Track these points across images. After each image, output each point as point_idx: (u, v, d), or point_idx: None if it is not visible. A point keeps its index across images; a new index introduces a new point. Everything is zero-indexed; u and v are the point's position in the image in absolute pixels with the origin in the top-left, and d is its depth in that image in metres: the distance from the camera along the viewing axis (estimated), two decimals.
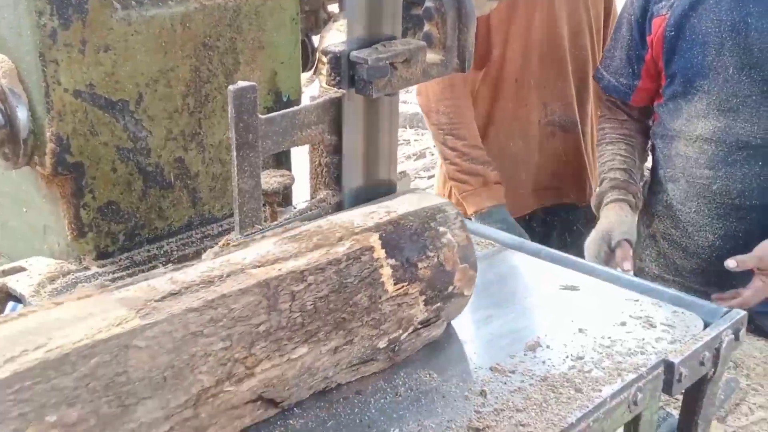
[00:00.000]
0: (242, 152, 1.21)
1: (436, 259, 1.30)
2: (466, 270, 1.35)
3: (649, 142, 2.64)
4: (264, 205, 1.34)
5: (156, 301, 1.06)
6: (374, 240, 1.25)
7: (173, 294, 1.07)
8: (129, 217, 1.60)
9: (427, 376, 1.29)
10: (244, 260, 1.16)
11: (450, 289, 1.33)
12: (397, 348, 1.29)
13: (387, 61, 1.29)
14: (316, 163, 1.41)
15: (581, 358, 1.33)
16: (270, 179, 1.46)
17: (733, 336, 1.43)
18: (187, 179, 1.67)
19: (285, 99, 1.78)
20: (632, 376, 1.29)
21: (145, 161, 1.59)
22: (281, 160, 1.79)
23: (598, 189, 2.60)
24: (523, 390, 1.25)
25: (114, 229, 1.59)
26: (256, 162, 1.23)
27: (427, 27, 1.39)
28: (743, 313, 1.46)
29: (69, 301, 1.06)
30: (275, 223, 1.34)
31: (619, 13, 2.65)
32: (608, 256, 2.40)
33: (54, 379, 0.94)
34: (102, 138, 1.51)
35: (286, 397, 1.17)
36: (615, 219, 2.44)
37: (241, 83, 1.19)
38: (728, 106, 2.26)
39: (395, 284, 1.25)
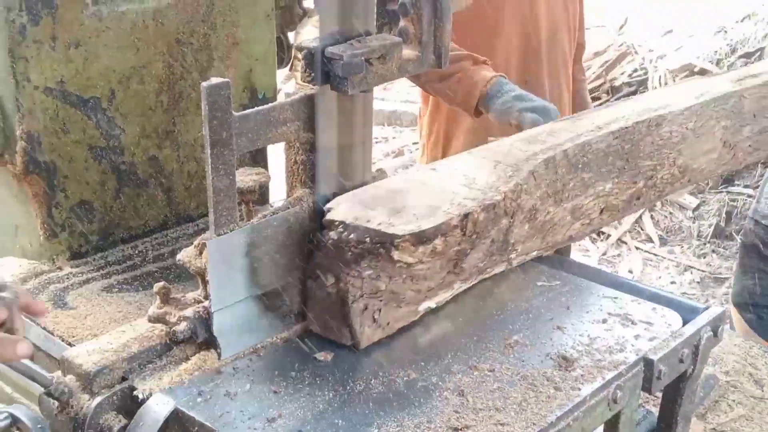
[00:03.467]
0: (216, 150, 1.19)
1: None
2: None
3: None
4: (240, 203, 1.32)
5: (738, 80, 1.91)
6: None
7: (741, 79, 1.93)
8: (103, 216, 1.58)
9: (406, 375, 1.28)
10: (759, 68, 2.01)
11: None
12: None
13: (362, 57, 1.27)
14: (292, 160, 1.39)
15: (561, 356, 1.32)
16: (245, 177, 1.43)
17: (711, 333, 1.42)
18: (162, 178, 1.64)
19: (260, 96, 1.76)
20: (612, 374, 1.28)
21: (119, 160, 1.56)
22: (258, 159, 1.77)
23: None
24: (503, 389, 1.24)
25: (87, 228, 1.56)
26: (230, 160, 1.21)
27: (402, 22, 1.37)
28: (722, 309, 1.45)
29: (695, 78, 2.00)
30: (250, 222, 1.32)
31: None
32: None
33: (722, 105, 1.81)
34: (74, 136, 1.49)
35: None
36: None
37: (215, 79, 1.16)
38: None
39: None
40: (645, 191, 1.72)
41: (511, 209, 1.40)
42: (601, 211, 1.63)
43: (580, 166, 1.55)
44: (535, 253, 1.53)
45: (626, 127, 1.64)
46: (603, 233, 5.22)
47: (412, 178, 1.47)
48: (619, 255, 5.08)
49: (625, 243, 5.21)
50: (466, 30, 2.57)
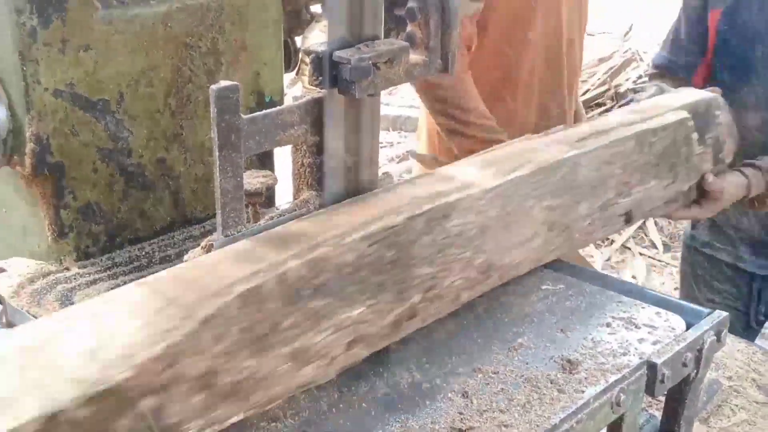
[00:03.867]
0: (224, 152, 1.20)
1: (716, 133, 1.89)
2: (731, 143, 1.97)
3: None
4: (246, 205, 1.33)
5: (577, 141, 1.55)
6: (686, 114, 1.78)
7: (584, 138, 1.56)
8: (110, 217, 1.59)
9: (410, 377, 1.28)
10: (611, 121, 1.67)
11: (720, 155, 1.94)
12: (690, 195, 1.89)
13: (370, 62, 1.28)
14: (299, 163, 1.40)
15: (564, 359, 1.33)
16: (253, 180, 1.45)
17: (715, 337, 1.43)
18: (169, 180, 1.65)
19: (267, 100, 1.77)
20: (615, 377, 1.28)
21: (127, 162, 1.58)
22: (264, 161, 1.78)
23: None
24: (507, 391, 1.25)
25: (95, 230, 1.57)
26: (238, 162, 1.22)
27: (409, 27, 1.39)
28: (725, 314, 1.46)
29: (522, 141, 1.57)
30: (258, 224, 1.33)
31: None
32: None
33: (547, 179, 1.45)
34: (83, 138, 1.50)
35: (635, 217, 1.71)
36: None
37: (224, 83, 1.18)
38: None
39: (699, 145, 1.83)
40: (422, 307, 1.30)
41: (159, 384, 0.96)
42: (350, 345, 1.20)
43: (307, 293, 1.12)
44: (234, 419, 1.07)
45: (392, 227, 1.22)
46: (607, 239, 5.22)
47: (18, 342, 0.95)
48: (623, 261, 5.08)
49: (629, 249, 5.22)
50: (497, 43, 2.60)
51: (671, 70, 2.62)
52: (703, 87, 2.59)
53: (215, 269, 1.09)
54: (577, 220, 1.55)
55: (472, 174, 1.40)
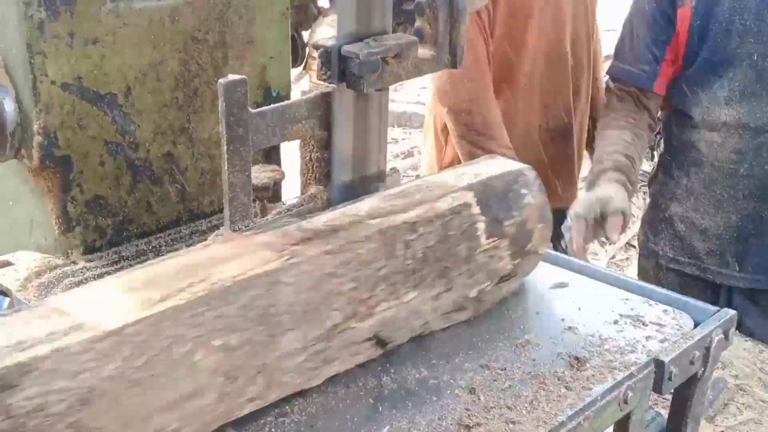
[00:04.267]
0: (233, 146, 1.20)
1: (519, 218, 1.42)
2: (544, 230, 1.47)
3: (657, 131, 2.66)
4: (254, 200, 1.33)
5: (293, 245, 1.17)
6: (470, 197, 1.36)
7: (306, 239, 1.20)
8: (117, 211, 1.58)
9: (418, 373, 1.28)
10: (360, 212, 1.28)
11: (528, 246, 1.44)
12: (482, 299, 1.42)
13: (378, 56, 1.28)
14: (307, 158, 1.40)
15: (572, 356, 1.32)
16: (260, 174, 1.45)
17: (723, 335, 1.42)
18: (176, 174, 1.65)
19: (274, 94, 1.77)
20: (623, 374, 1.28)
21: (134, 155, 1.57)
22: (271, 156, 1.78)
23: (597, 165, 2.54)
24: (514, 388, 1.25)
25: (102, 223, 1.57)
26: (246, 156, 1.22)
27: (418, 22, 1.38)
28: (733, 312, 1.46)
29: (214, 244, 1.21)
30: (265, 218, 1.33)
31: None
32: (597, 223, 2.36)
33: (219, 308, 1.07)
34: (90, 131, 1.50)
35: (393, 339, 1.30)
36: (614, 191, 2.41)
37: (232, 76, 1.17)
38: (751, 92, 2.29)
39: (488, 238, 1.37)
40: None
41: None
42: None
43: None
44: None
45: None
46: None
47: None
48: (627, 258, 5.08)
49: (634, 247, 5.21)
50: (498, 42, 2.60)
51: (636, 82, 2.59)
52: (665, 92, 2.58)
53: None
54: (280, 358, 1.15)
55: (100, 306, 1.04)
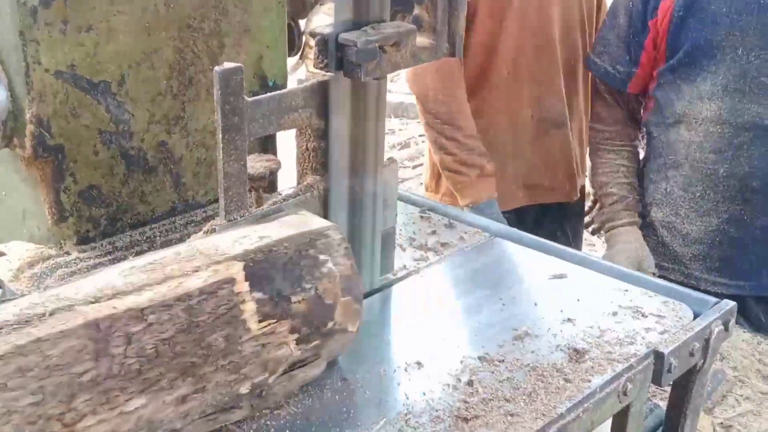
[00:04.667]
0: (228, 135, 1.18)
1: (313, 292, 1.15)
2: (350, 303, 1.20)
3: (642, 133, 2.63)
4: (249, 190, 1.31)
5: None
6: (237, 270, 1.09)
7: None
8: (111, 201, 1.57)
9: (416, 364, 1.27)
10: (76, 295, 1.00)
11: (330, 324, 1.18)
12: (264, 392, 1.14)
13: (376, 44, 1.26)
14: (303, 147, 1.38)
15: (571, 348, 1.31)
16: (256, 164, 1.43)
17: (722, 327, 1.41)
18: (171, 164, 1.63)
19: (270, 84, 1.75)
20: (622, 366, 1.27)
21: (128, 145, 1.56)
22: (266, 146, 1.76)
23: (607, 205, 2.59)
24: (512, 380, 1.24)
25: (95, 213, 1.55)
26: (242, 145, 1.20)
27: (416, 10, 1.37)
28: (733, 304, 1.45)
29: None
30: (260, 209, 1.31)
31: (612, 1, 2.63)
32: None
33: None
34: (83, 120, 1.48)
35: None
36: (640, 247, 2.49)
37: (228, 64, 1.16)
38: (735, 87, 2.26)
39: (260, 321, 1.10)
40: None
41: None
42: None
43: None
44: None
45: None
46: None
47: None
48: None
49: None
50: (471, 27, 2.58)
51: (611, 83, 2.58)
52: (642, 90, 2.56)
53: None
54: None
55: None
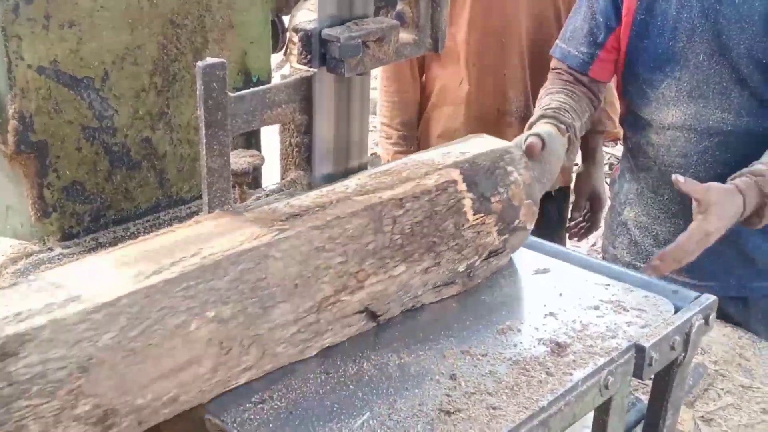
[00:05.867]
0: (211, 130, 1.18)
1: (505, 195, 1.46)
2: (530, 206, 1.51)
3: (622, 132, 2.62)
4: (233, 186, 1.32)
5: (281, 221, 1.21)
6: (456, 174, 1.40)
7: (294, 215, 1.23)
8: (94, 197, 1.57)
9: (398, 359, 1.27)
10: (347, 189, 1.32)
11: (516, 222, 1.48)
12: (472, 273, 1.45)
13: (359, 40, 1.26)
14: (287, 143, 1.39)
15: (553, 341, 1.32)
16: (239, 159, 1.43)
17: (703, 321, 1.42)
18: (155, 160, 1.63)
19: (255, 80, 1.75)
20: (604, 359, 1.28)
21: (111, 141, 1.55)
22: (251, 141, 1.76)
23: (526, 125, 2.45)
24: (495, 373, 1.24)
25: (79, 209, 1.55)
26: (225, 141, 1.20)
27: (400, 6, 1.37)
28: (713, 298, 1.46)
29: (206, 220, 1.23)
30: (245, 203, 1.31)
31: None
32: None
33: (211, 281, 1.10)
34: (66, 116, 1.48)
35: (384, 311, 1.33)
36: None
37: (210, 59, 1.16)
38: (699, 93, 2.26)
39: (474, 214, 1.41)
40: None
41: None
42: None
43: None
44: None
45: None
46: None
47: None
48: None
49: None
50: None
51: (572, 64, 2.51)
52: (605, 78, 2.50)
53: None
54: (273, 330, 1.18)
55: (93, 280, 1.07)
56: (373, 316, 1.31)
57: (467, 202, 1.39)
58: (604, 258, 2.71)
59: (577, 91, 2.41)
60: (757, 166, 2.00)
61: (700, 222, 1.88)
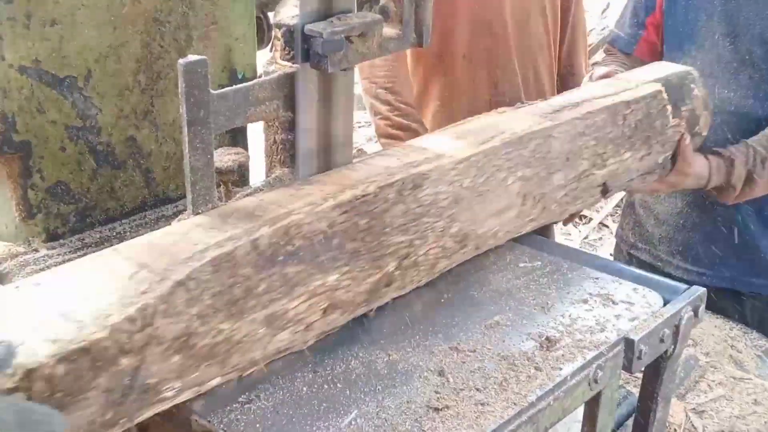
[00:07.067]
0: (194, 128, 1.17)
1: (690, 105, 1.90)
2: (707, 116, 1.98)
3: None
4: (218, 184, 1.30)
5: (550, 113, 1.58)
6: (659, 87, 1.80)
7: (557, 111, 1.60)
8: (79, 197, 1.55)
9: (386, 355, 1.27)
10: (583, 95, 1.70)
11: (696, 128, 1.96)
12: (665, 166, 1.92)
13: (342, 35, 1.25)
14: (271, 140, 1.38)
15: (542, 336, 1.31)
16: (224, 157, 1.42)
17: (692, 313, 1.42)
18: (140, 158, 1.62)
19: (240, 77, 1.74)
20: (593, 353, 1.27)
21: (96, 140, 1.54)
22: (236, 138, 1.75)
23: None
24: (483, 369, 1.24)
25: (64, 210, 1.54)
26: (208, 139, 1.19)
27: (383, 0, 1.36)
28: (702, 290, 1.45)
29: (493, 114, 1.64)
30: (230, 202, 1.30)
31: None
32: None
33: (520, 150, 1.49)
34: (50, 116, 1.47)
35: (612, 188, 1.74)
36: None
37: (192, 57, 1.15)
38: (709, 72, 2.28)
39: (673, 118, 1.84)
40: (399, 274, 1.33)
41: (135, 345, 0.99)
42: (326, 311, 1.23)
43: (280, 258, 1.15)
44: (213, 382, 1.13)
45: (363, 196, 1.25)
46: (584, 217, 5.23)
47: None
48: (600, 239, 5.09)
49: (607, 227, 5.23)
50: None
51: (618, 45, 2.59)
52: (652, 58, 2.56)
53: (187, 237, 1.12)
54: (552, 190, 1.58)
55: (445, 145, 1.44)
56: (605, 190, 1.73)
57: (668, 108, 1.82)
58: (616, 241, 2.74)
59: (626, 70, 2.46)
60: (752, 142, 2.17)
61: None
